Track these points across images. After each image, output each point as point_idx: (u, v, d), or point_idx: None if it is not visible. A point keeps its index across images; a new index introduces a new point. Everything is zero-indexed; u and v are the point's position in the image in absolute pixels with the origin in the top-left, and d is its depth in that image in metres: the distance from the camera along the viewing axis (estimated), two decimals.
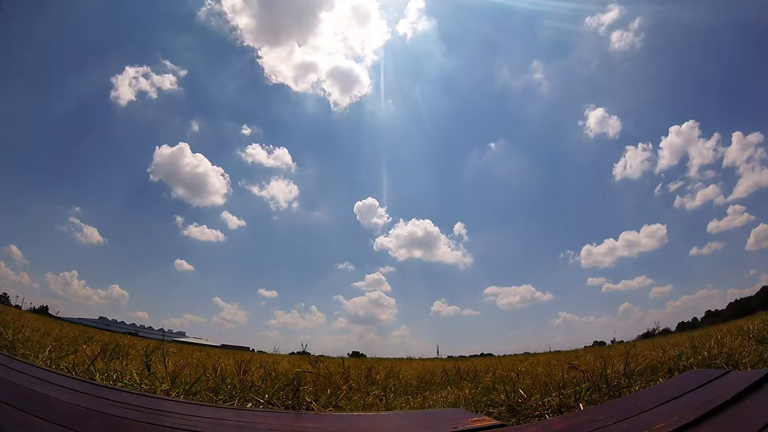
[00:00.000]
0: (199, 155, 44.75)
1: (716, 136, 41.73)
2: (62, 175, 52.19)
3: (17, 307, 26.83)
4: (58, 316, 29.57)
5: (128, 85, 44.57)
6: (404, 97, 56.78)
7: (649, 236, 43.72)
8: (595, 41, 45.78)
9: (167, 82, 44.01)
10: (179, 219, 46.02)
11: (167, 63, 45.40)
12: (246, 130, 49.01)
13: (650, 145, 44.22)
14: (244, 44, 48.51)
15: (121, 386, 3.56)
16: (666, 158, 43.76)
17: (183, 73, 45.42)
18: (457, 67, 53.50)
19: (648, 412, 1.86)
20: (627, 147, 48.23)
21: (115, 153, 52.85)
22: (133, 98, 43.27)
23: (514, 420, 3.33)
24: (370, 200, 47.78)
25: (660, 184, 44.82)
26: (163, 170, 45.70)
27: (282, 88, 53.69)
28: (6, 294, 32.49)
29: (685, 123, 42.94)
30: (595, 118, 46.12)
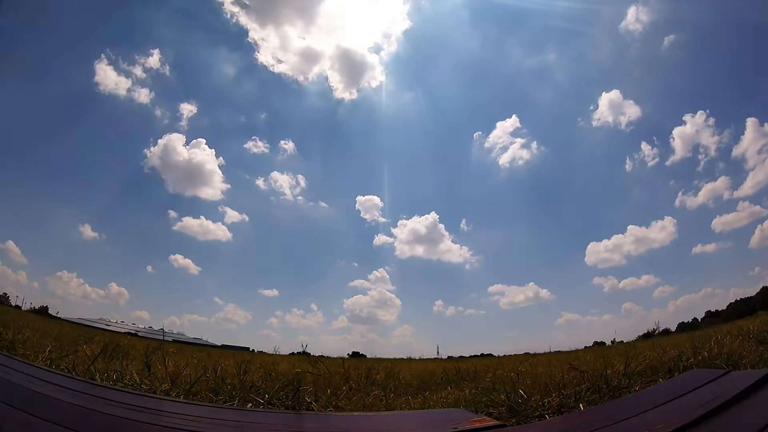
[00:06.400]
0: (195, 145, 43.72)
1: (730, 126, 40.38)
2: (53, 169, 51.56)
3: (17, 307, 26.78)
4: (58, 316, 29.46)
5: (112, 70, 43.05)
6: (412, 85, 55.46)
7: (657, 232, 42.92)
8: (612, 18, 44.24)
9: (156, 63, 42.78)
10: (173, 213, 45.32)
11: (155, 50, 44.31)
12: (245, 120, 48.39)
13: (661, 138, 43.14)
14: (240, 26, 46.92)
15: (121, 386, 3.56)
16: (678, 149, 42.55)
17: (172, 57, 44.29)
18: (475, 52, 51.82)
19: (648, 412, 1.86)
20: (639, 137, 47.27)
21: (103, 144, 51.67)
22: (120, 86, 42.13)
23: (514, 420, 3.33)
24: (372, 195, 47.10)
25: (672, 177, 43.83)
26: (155, 161, 44.44)
27: (283, 75, 52.40)
28: (6, 294, 32.38)
29: (699, 112, 41.47)
30: (607, 104, 44.70)
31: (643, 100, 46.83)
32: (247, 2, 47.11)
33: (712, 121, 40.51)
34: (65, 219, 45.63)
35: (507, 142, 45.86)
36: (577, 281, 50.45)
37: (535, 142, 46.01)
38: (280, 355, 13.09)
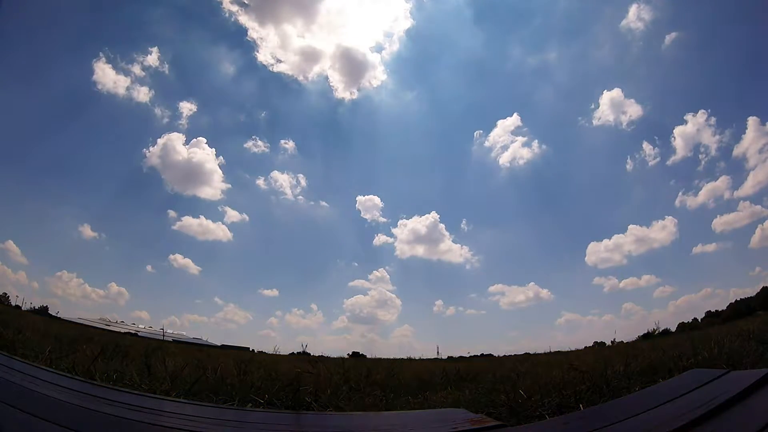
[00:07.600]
0: (195, 144, 43.27)
1: (731, 126, 40.01)
2: (53, 169, 51.48)
3: (17, 307, 26.74)
4: (58, 316, 29.41)
5: (110, 68, 42.14)
6: (413, 85, 54.92)
7: (658, 232, 42.74)
8: (613, 16, 43.67)
9: (154, 61, 42.19)
10: (173, 212, 45.07)
11: (154, 48, 43.68)
12: (244, 119, 48.24)
13: (662, 137, 42.79)
14: (239, 24, 46.16)
15: (121, 386, 3.56)
16: (679, 149, 42.19)
17: (171, 56, 43.84)
18: (476, 50, 51.14)
19: (648, 412, 1.86)
20: (640, 136, 47.03)
21: (102, 143, 51.21)
22: (119, 85, 41.62)
23: (514, 420, 3.33)
24: (372, 195, 47.02)
25: (673, 177, 43.60)
26: (155, 161, 43.99)
27: (283, 74, 51.88)
28: (6, 294, 32.33)
29: (700, 111, 41.04)
30: (608, 102, 44.30)
31: (644, 99, 46.47)
32: (246, 1, 47.12)
33: (713, 120, 40.23)
34: (65, 219, 45.55)
35: (508, 141, 45.60)
36: (577, 281, 50.32)
37: (536, 141, 45.82)
38: (280, 355, 13.10)
